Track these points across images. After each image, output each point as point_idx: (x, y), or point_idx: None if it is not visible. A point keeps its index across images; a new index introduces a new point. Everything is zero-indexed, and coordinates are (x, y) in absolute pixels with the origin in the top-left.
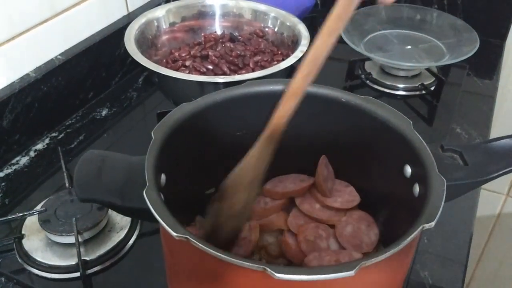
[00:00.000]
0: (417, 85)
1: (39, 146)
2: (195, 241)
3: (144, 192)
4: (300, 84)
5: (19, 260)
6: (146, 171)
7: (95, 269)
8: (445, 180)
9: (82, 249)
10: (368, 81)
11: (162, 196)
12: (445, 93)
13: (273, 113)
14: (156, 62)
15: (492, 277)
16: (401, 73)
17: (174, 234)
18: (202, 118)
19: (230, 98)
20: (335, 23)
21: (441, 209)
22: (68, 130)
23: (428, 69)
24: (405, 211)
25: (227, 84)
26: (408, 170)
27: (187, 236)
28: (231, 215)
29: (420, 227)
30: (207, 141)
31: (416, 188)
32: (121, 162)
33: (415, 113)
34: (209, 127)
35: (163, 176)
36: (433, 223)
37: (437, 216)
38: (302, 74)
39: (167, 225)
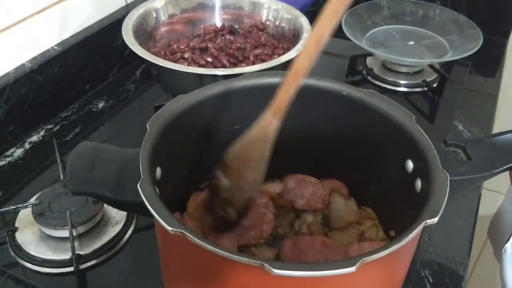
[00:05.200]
0: (419, 81)
1: (34, 138)
2: (190, 236)
3: (138, 185)
4: (304, 63)
5: (12, 253)
6: (140, 164)
7: (90, 263)
8: (448, 175)
9: (76, 243)
10: (369, 77)
11: (157, 190)
12: (447, 90)
13: (276, 92)
14: (154, 54)
15: (491, 275)
16: (403, 69)
17: (169, 228)
18: (198, 111)
19: (228, 90)
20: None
21: (444, 204)
22: (64, 122)
23: (431, 66)
24: (407, 207)
25: (227, 77)
26: (410, 165)
27: (183, 231)
28: (239, 190)
29: (423, 223)
30: (204, 135)
31: (418, 184)
32: (115, 155)
33: (416, 110)
34: (205, 120)
35: (158, 170)
36: (436, 219)
37: (440, 212)
38: (306, 53)
39: (162, 219)
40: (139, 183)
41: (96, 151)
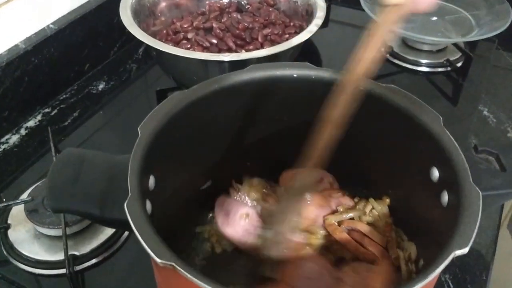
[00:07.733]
0: (442, 60)
1: (31, 123)
2: (181, 270)
3: (125, 204)
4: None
5: (4, 252)
6: (129, 177)
7: (86, 264)
8: (480, 193)
9: (71, 243)
10: (388, 55)
11: (149, 205)
12: (472, 70)
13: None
14: (155, 32)
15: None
16: (425, 47)
17: (158, 260)
18: (195, 111)
19: (228, 86)
20: None
21: (476, 231)
22: (62, 106)
23: (455, 44)
24: (432, 220)
25: (232, 63)
26: (435, 173)
27: (173, 264)
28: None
29: (452, 254)
30: (203, 135)
31: (445, 196)
32: (103, 164)
33: (438, 92)
34: (205, 118)
35: (151, 178)
36: (466, 249)
37: (471, 241)
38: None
39: (151, 250)
40: (126, 201)
41: (81, 159)
